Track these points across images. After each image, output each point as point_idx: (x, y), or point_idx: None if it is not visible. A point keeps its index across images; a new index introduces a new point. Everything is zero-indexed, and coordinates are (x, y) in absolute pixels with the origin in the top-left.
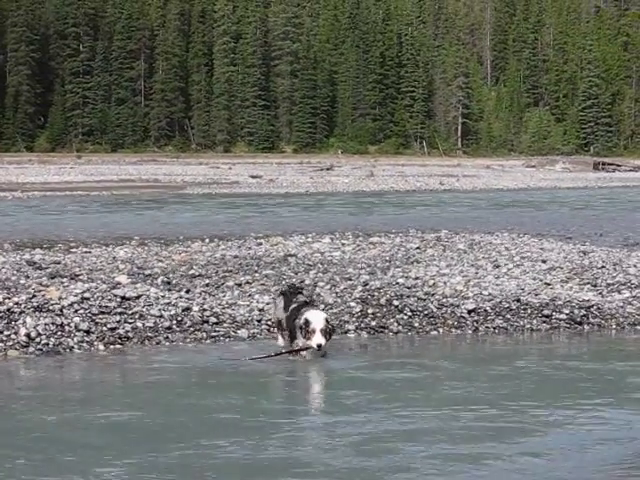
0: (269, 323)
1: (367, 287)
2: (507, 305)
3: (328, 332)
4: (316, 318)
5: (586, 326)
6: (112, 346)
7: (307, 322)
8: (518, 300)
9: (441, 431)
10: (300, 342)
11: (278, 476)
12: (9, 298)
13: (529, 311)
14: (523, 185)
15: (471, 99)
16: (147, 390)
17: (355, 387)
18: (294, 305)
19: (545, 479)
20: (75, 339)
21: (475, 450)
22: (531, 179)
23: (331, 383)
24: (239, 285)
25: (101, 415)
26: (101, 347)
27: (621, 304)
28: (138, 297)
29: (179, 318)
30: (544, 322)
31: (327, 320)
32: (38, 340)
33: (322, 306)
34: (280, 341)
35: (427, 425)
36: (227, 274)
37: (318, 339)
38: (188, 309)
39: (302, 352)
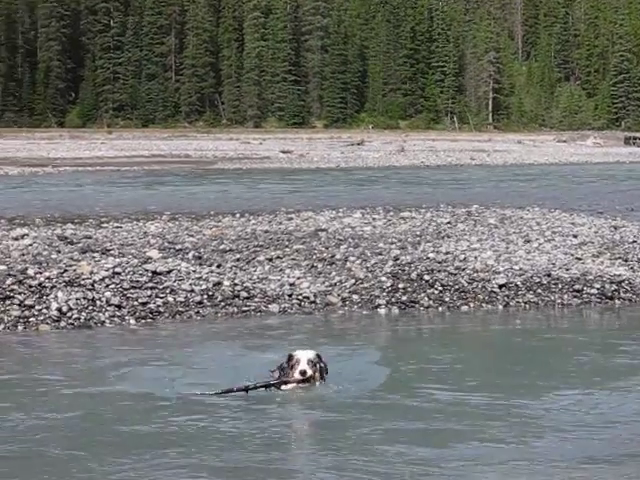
0: (300, 297)
1: (398, 262)
2: (538, 280)
3: (320, 369)
4: (301, 352)
5: (617, 301)
6: (143, 320)
7: (290, 357)
8: (549, 275)
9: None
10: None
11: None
12: (41, 273)
13: (560, 286)
14: (554, 160)
15: (502, 74)
16: (177, 363)
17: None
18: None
19: (576, 454)
20: (106, 313)
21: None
22: (562, 154)
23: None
24: (270, 260)
25: (133, 390)
26: (132, 321)
27: None
28: (169, 272)
29: (210, 293)
30: (575, 297)
31: (319, 356)
32: (69, 314)
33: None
34: None
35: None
36: (258, 249)
37: (302, 366)
38: (219, 284)
39: (281, 388)
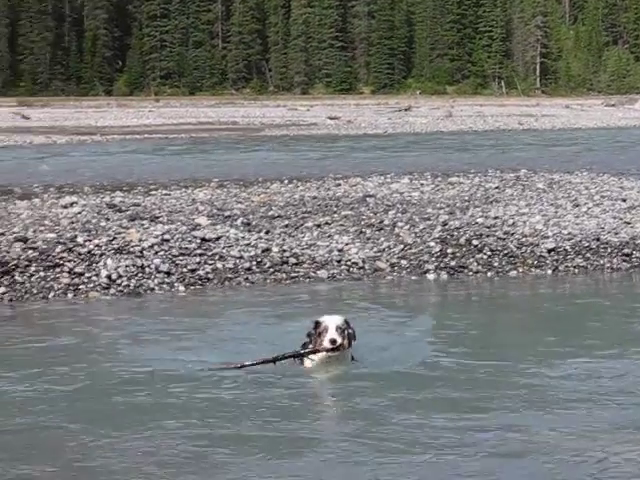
0: (348, 263)
1: (446, 227)
2: (587, 244)
3: (348, 335)
4: (329, 317)
5: None
6: (192, 287)
7: (317, 324)
8: (598, 239)
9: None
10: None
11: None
12: (90, 240)
13: (609, 250)
14: (602, 124)
15: (549, 38)
16: (223, 331)
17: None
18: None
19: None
20: (155, 280)
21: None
22: (610, 118)
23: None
24: (318, 226)
25: (182, 357)
26: (181, 288)
27: None
28: (218, 238)
29: (259, 259)
30: (624, 261)
31: (347, 322)
32: (119, 282)
33: None
34: None
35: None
36: (306, 215)
37: (331, 335)
38: (268, 250)
39: (310, 357)
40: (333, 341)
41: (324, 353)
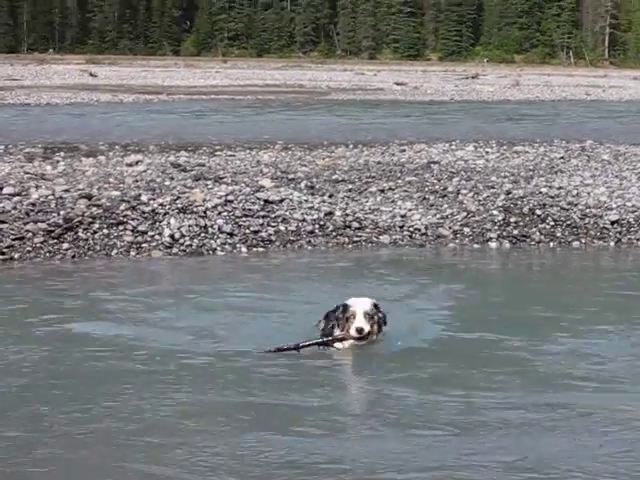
0: (411, 229)
1: (510, 196)
2: None
3: (377, 321)
4: (357, 301)
5: None
6: (254, 249)
7: (345, 308)
8: None
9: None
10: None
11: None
12: (154, 199)
13: None
14: None
15: (619, 9)
16: (279, 294)
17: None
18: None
19: None
20: (218, 241)
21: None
22: None
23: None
24: (382, 191)
25: (239, 316)
26: (244, 249)
27: None
28: (281, 201)
29: (321, 222)
30: None
31: (377, 306)
32: (182, 241)
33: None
34: None
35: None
36: (370, 180)
37: (359, 322)
38: (331, 214)
39: (336, 344)
40: (360, 330)
41: (351, 341)
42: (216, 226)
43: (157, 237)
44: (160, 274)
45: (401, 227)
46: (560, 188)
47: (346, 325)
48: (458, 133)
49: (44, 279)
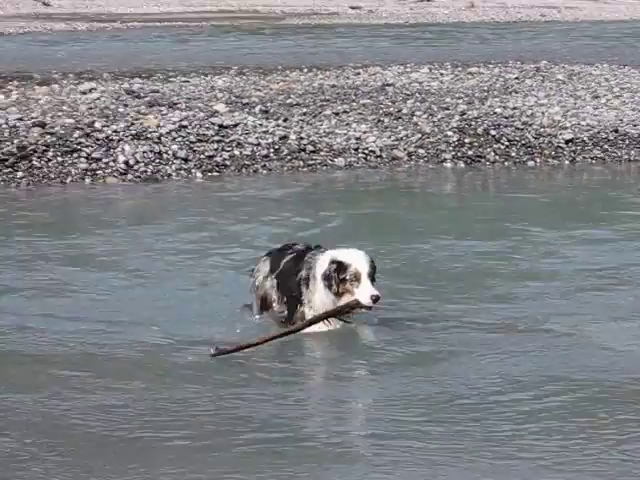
0: (366, 151)
1: (464, 117)
2: (605, 136)
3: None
4: (355, 256)
5: None
6: (209, 174)
7: (339, 265)
8: (616, 131)
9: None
10: (321, 301)
11: None
12: (107, 126)
13: (627, 142)
14: (626, 17)
15: None
16: (246, 216)
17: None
18: (289, 257)
19: None
20: (173, 167)
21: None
22: (635, 11)
23: None
24: (336, 114)
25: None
26: (199, 175)
27: None
28: (236, 125)
29: (276, 146)
30: None
31: (372, 262)
32: (136, 167)
33: None
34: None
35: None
36: (324, 103)
37: (372, 289)
38: (285, 137)
39: (329, 321)
40: (376, 299)
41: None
42: (171, 152)
43: (112, 164)
44: (114, 201)
45: (356, 149)
46: (514, 108)
47: (345, 287)
48: (413, 56)
49: None
